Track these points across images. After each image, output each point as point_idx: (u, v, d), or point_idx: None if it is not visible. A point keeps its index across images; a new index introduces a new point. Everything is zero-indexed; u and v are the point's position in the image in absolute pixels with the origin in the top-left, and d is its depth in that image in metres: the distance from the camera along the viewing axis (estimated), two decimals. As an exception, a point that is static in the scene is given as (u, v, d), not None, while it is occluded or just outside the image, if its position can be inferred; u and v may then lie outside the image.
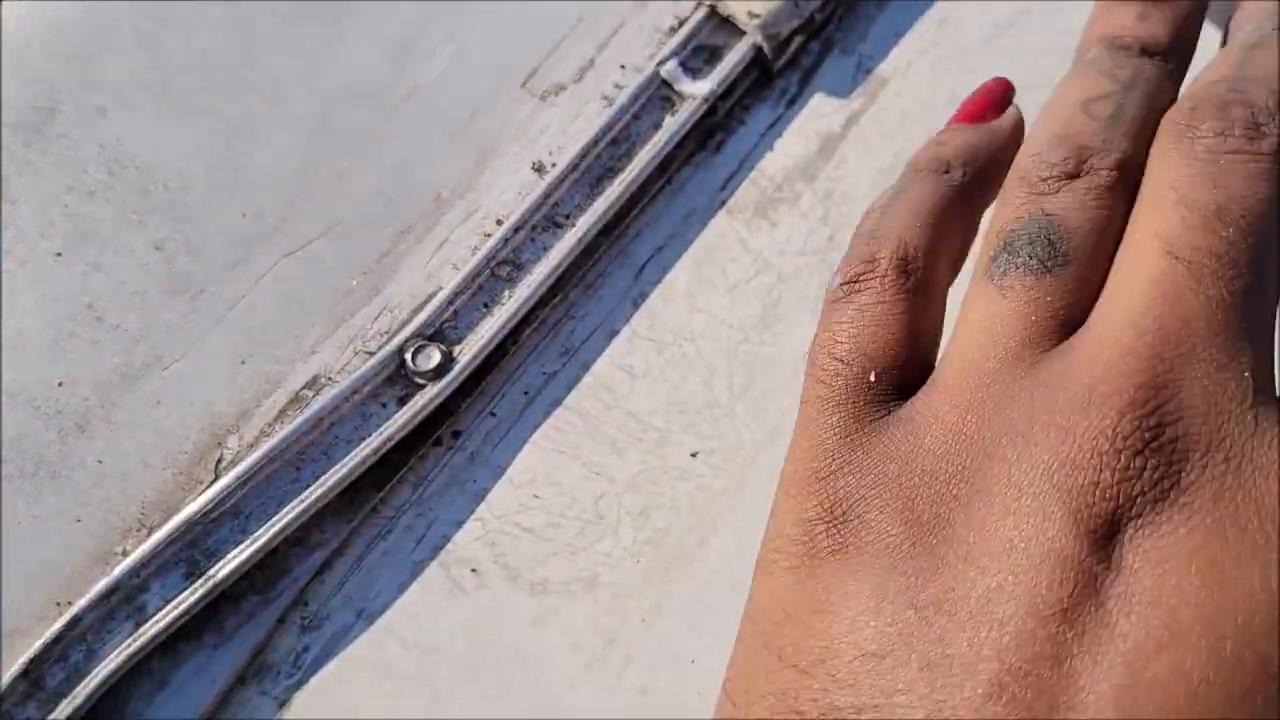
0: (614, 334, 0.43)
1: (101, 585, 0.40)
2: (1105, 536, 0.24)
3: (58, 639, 0.40)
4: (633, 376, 0.43)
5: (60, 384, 0.42)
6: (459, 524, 0.41)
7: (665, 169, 0.45)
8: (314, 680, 0.40)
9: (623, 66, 0.47)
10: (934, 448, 0.27)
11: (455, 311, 0.43)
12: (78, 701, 0.39)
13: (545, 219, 0.44)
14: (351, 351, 0.43)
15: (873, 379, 0.29)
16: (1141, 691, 0.23)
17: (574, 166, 0.44)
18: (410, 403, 0.42)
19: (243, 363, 0.43)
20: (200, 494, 0.41)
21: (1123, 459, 0.24)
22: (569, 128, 0.46)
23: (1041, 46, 0.46)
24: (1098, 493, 0.24)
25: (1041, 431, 0.26)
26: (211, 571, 0.40)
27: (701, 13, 0.47)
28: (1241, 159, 0.28)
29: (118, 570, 0.40)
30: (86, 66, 0.46)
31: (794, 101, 0.47)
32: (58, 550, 0.41)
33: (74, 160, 0.44)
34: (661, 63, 0.46)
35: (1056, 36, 0.45)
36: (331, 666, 0.40)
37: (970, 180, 0.33)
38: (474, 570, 0.41)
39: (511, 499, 0.41)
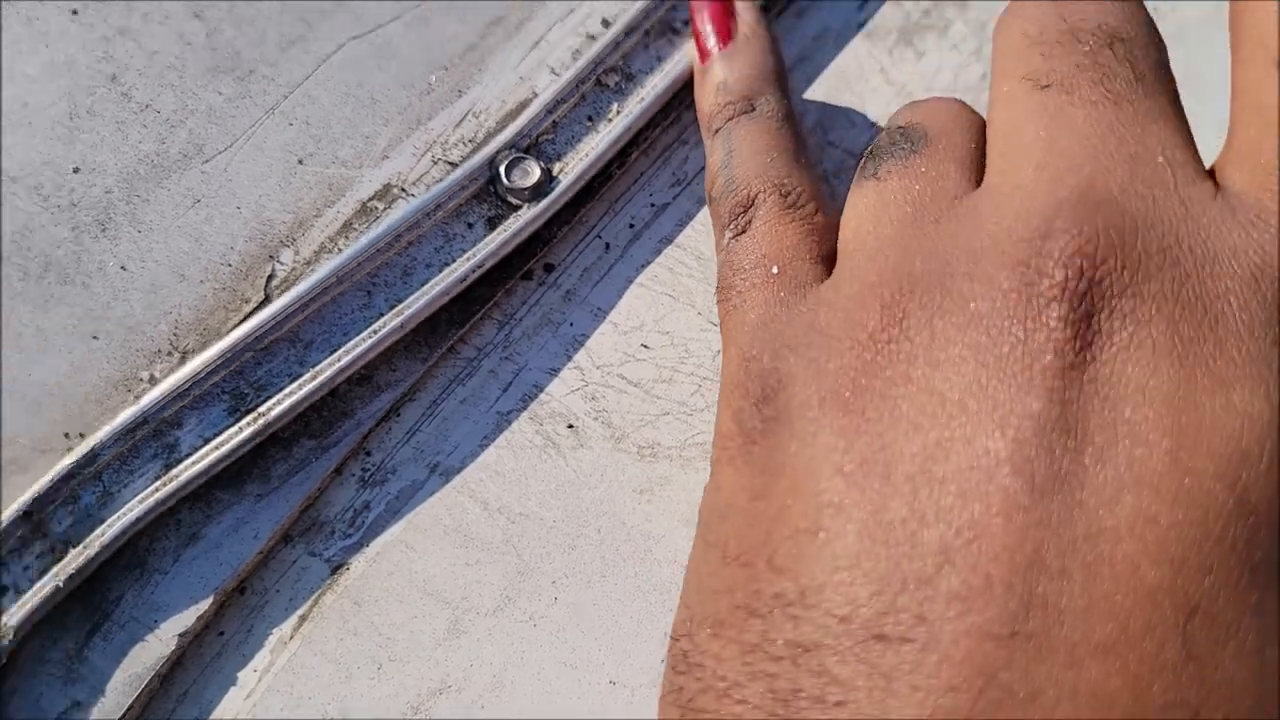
0: (734, 165, 0.37)
1: (126, 416, 0.33)
2: (1055, 373, 0.24)
3: (68, 476, 0.33)
4: (756, 216, 0.37)
5: (76, 170, 0.35)
6: (553, 372, 0.35)
7: (797, -21, 0.39)
8: (374, 543, 0.34)
9: None
10: (847, 309, 0.27)
11: (554, 123, 0.36)
12: (89, 553, 0.33)
13: (660, 23, 0.38)
14: (430, 159, 0.36)
15: (775, 270, 0.30)
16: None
17: (696, -34, 0.38)
18: (502, 225, 0.35)
19: (300, 162, 0.35)
20: (247, 315, 0.34)
21: (1067, 273, 0.24)
22: (689, -80, 0.39)
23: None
24: (1045, 322, 0.24)
25: (963, 276, 0.25)
26: (261, 408, 0.33)
27: None
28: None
29: (146, 399, 0.33)
30: None
31: (944, -86, 0.40)
32: (68, 371, 0.34)
33: (93, -102, 0.36)
34: None
35: None
36: (396, 529, 0.34)
37: (775, 104, 0.34)
38: (570, 426, 0.35)
39: (615, 347, 0.35)
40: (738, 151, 0.33)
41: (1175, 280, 0.24)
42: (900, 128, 0.31)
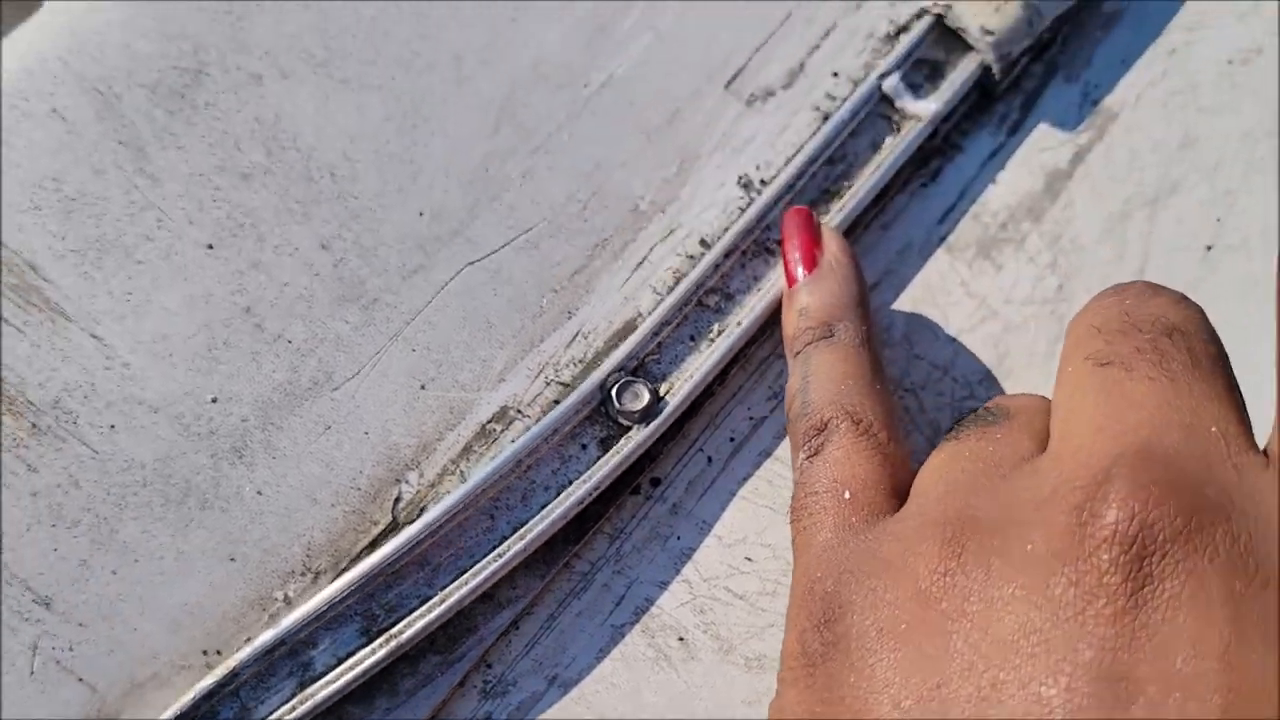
0: (827, 379, 0.39)
1: (267, 637, 0.35)
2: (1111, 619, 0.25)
3: (209, 695, 0.35)
4: (850, 429, 0.39)
5: (214, 400, 0.37)
6: (663, 585, 0.37)
7: (880, 196, 0.41)
8: (497, 752, 0.36)
9: (835, 74, 0.42)
10: (909, 542, 0.28)
11: (659, 344, 0.39)
12: (228, 767, 0.35)
13: (756, 244, 0.40)
14: (543, 381, 0.38)
15: (847, 496, 0.31)
16: None
17: (789, 186, 0.40)
18: (615, 447, 0.37)
19: (423, 387, 0.38)
20: (376, 537, 0.36)
21: (1119, 515, 0.25)
22: (778, 139, 0.42)
23: (1276, 87, 0.43)
24: (1097, 564, 0.25)
25: (1022, 522, 0.27)
26: (393, 629, 0.35)
27: (925, 22, 0.42)
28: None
29: (285, 621, 0.35)
30: (239, 24, 0.39)
31: (1016, 129, 0.43)
32: (206, 592, 0.36)
33: (225, 135, 0.39)
34: (883, 76, 0.41)
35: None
36: (518, 738, 0.36)
37: (853, 331, 0.36)
38: (681, 639, 0.37)
39: (720, 560, 0.37)
40: (814, 376, 0.35)
41: (1229, 537, 0.25)
42: (988, 407, 0.33)
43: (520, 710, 0.36)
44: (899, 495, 0.32)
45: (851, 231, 0.41)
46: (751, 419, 0.39)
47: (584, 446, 0.37)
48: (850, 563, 0.30)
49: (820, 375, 0.35)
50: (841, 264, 0.37)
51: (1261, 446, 0.28)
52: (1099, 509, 0.25)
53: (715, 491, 0.38)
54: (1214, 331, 0.30)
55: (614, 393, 0.37)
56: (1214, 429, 0.27)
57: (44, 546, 0.36)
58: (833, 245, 0.38)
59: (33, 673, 0.35)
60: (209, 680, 0.35)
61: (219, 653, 0.36)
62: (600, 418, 0.38)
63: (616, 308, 0.39)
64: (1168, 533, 0.25)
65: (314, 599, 0.35)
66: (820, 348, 0.35)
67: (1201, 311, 0.30)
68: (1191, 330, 0.29)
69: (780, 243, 0.39)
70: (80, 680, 0.35)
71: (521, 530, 0.36)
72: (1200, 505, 0.25)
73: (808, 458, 0.33)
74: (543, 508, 0.37)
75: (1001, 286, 0.41)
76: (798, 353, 0.36)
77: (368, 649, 0.35)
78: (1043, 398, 0.33)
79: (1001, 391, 0.39)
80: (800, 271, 0.37)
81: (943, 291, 0.41)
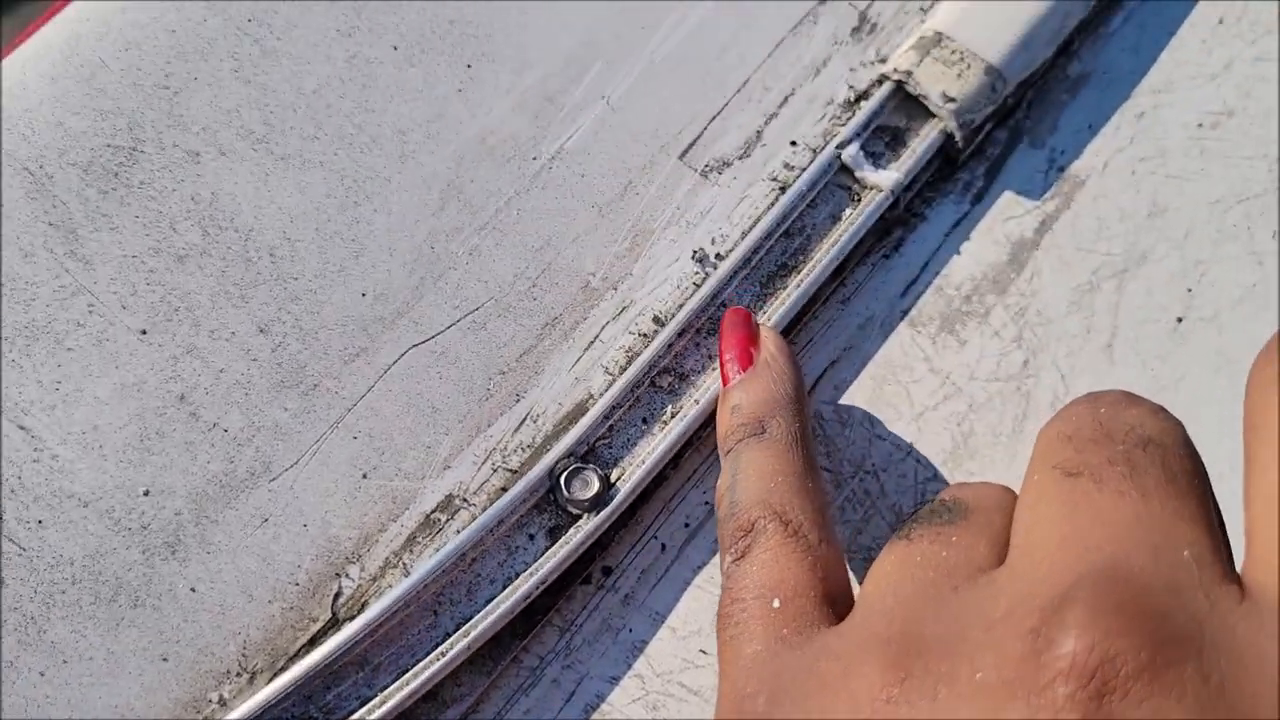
0: (785, 460, 0.38)
1: (198, 745, 0.33)
2: None
3: (139, 805, 0.33)
4: (809, 513, 0.37)
5: (146, 493, 0.35)
6: (614, 680, 0.36)
7: (840, 269, 0.40)
8: None
9: (793, 143, 0.41)
10: (849, 663, 0.26)
11: (611, 427, 0.37)
12: None
13: (711, 321, 0.39)
14: (490, 467, 0.37)
15: (777, 604, 0.29)
16: None
17: (745, 260, 0.39)
18: (564, 538, 0.36)
19: (364, 476, 0.36)
20: (315, 634, 0.35)
21: (1078, 645, 0.23)
22: (734, 211, 0.40)
23: (1247, 151, 0.42)
24: (1052, 699, 0.23)
25: (973, 644, 0.25)
26: (331, 733, 0.34)
27: (886, 89, 0.41)
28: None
29: (218, 728, 0.33)
30: (176, 99, 0.38)
31: (980, 198, 0.42)
32: (138, 694, 0.35)
33: (160, 215, 0.37)
34: (843, 145, 0.40)
35: (1260, 142, 0.41)
36: (464, 845, 0.35)
37: (785, 428, 0.34)
38: (632, 738, 0.35)
39: (674, 653, 0.36)
40: (743, 474, 0.33)
41: (1198, 675, 0.23)
42: (944, 500, 0.31)
43: (466, 814, 0.35)
44: (833, 601, 0.30)
45: (810, 306, 0.40)
46: (707, 504, 0.38)
47: (531, 537, 0.36)
48: (784, 680, 0.28)
49: (749, 473, 0.33)
50: (776, 362, 0.36)
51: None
52: (1056, 635, 0.23)
53: (669, 580, 0.37)
54: (1193, 447, 0.28)
55: (563, 480, 0.36)
56: (1186, 552, 0.25)
57: (-32, 648, 0.34)
58: (769, 344, 0.36)
59: (-43, 780, 0.34)
60: (139, 789, 0.33)
61: (151, 758, 0.34)
62: (549, 506, 0.36)
63: (567, 389, 0.38)
64: (1131, 668, 0.22)
65: (250, 701, 0.34)
66: (750, 445, 0.34)
67: (1180, 425, 0.28)
68: (1169, 444, 0.27)
69: (719, 338, 0.37)
70: (6, 788, 0.34)
71: (466, 626, 0.35)
72: (1167, 637, 0.23)
73: (734, 560, 0.31)
74: (488, 602, 0.35)
75: (966, 362, 0.39)
76: (728, 451, 0.34)
77: (304, 755, 0.34)
78: (1004, 489, 0.31)
79: (966, 474, 0.38)
80: (735, 370, 0.36)
81: (905, 368, 0.39)
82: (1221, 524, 0.27)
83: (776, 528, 0.31)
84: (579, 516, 0.36)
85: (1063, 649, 0.23)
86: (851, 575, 0.34)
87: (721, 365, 0.36)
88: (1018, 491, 0.30)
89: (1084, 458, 0.27)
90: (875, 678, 0.25)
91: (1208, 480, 0.27)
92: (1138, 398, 0.29)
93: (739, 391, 0.35)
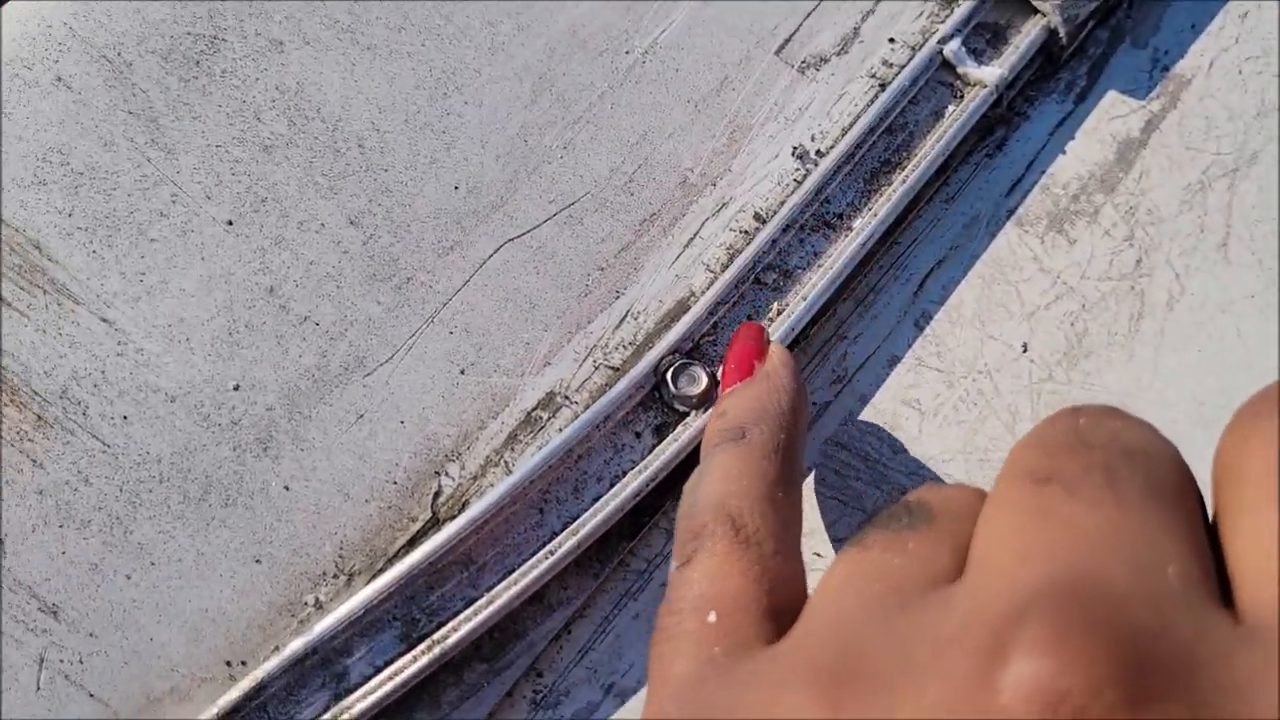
0: (894, 360, 0.37)
1: (297, 645, 0.32)
2: None
3: (235, 709, 0.32)
4: (921, 414, 0.36)
5: (236, 387, 0.34)
6: (725, 584, 0.34)
7: (944, 167, 0.39)
8: (549, 769, 0.33)
9: (891, 40, 0.40)
10: (776, 692, 0.23)
11: (715, 324, 0.36)
12: (255, 789, 0.31)
13: (815, 218, 0.37)
14: (591, 364, 0.35)
15: (713, 619, 0.26)
16: None
17: (848, 156, 0.37)
18: (671, 435, 0.35)
19: (462, 372, 0.35)
20: (414, 534, 0.33)
21: (1036, 668, 0.19)
22: (832, 108, 0.39)
23: (1354, 55, 0.41)
24: None
25: (918, 669, 0.21)
26: (436, 635, 0.32)
27: (987, -16, 0.40)
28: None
29: (320, 627, 0.32)
30: (258, -13, 0.37)
31: (1083, 97, 0.40)
32: (230, 597, 0.33)
33: (244, 105, 0.36)
34: (944, 41, 0.39)
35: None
36: (572, 754, 0.33)
37: (766, 436, 0.31)
38: (747, 642, 0.34)
39: (787, 556, 0.34)
40: (708, 474, 0.30)
41: (1189, 710, 0.19)
42: (907, 502, 0.27)
43: (574, 723, 0.33)
44: (778, 617, 0.26)
45: (914, 205, 0.38)
46: (814, 404, 0.36)
47: (638, 434, 0.34)
48: (710, 707, 0.24)
49: (714, 475, 0.30)
50: (776, 375, 0.33)
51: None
52: (1011, 655, 0.19)
53: (779, 482, 0.35)
54: (1185, 466, 0.24)
55: (669, 376, 0.34)
56: (1171, 569, 0.21)
57: (51, 549, 0.33)
58: (774, 358, 0.33)
59: (39, 688, 0.32)
60: (234, 694, 0.32)
61: (244, 663, 0.33)
62: (654, 403, 0.35)
63: (667, 286, 0.36)
64: (1107, 700, 0.18)
65: (349, 603, 0.32)
66: (726, 448, 0.31)
67: (1171, 443, 0.24)
68: (1155, 455, 0.23)
69: (726, 353, 0.35)
70: (91, 696, 0.32)
71: (574, 525, 0.33)
72: (1150, 665, 0.19)
73: (679, 566, 0.28)
74: (595, 500, 0.34)
75: (1076, 261, 0.38)
76: (705, 454, 0.32)
77: (408, 656, 0.32)
78: (978, 493, 0.26)
79: (1082, 374, 0.36)
80: (735, 380, 0.33)
81: (1014, 267, 0.38)
82: (1216, 547, 0.23)
83: (726, 531, 0.28)
84: (686, 413, 0.35)
85: (1019, 671, 0.19)
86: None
87: (723, 375, 0.34)
88: (984, 493, 0.27)
89: (1056, 463, 0.24)
90: (803, 711, 0.22)
91: (1201, 499, 0.23)
92: (1124, 412, 0.25)
93: (730, 398, 0.33)
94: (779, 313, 0.36)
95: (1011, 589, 0.21)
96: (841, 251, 0.37)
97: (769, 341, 0.34)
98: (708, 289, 0.36)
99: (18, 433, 0.33)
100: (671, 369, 0.35)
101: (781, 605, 0.27)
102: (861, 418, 0.36)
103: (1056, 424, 0.25)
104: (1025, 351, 0.37)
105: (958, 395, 0.36)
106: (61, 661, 0.32)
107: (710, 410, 0.34)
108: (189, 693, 0.33)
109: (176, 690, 0.33)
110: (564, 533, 0.33)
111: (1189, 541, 0.22)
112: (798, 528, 0.30)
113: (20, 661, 0.32)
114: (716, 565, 0.27)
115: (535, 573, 0.33)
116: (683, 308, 0.36)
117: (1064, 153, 0.40)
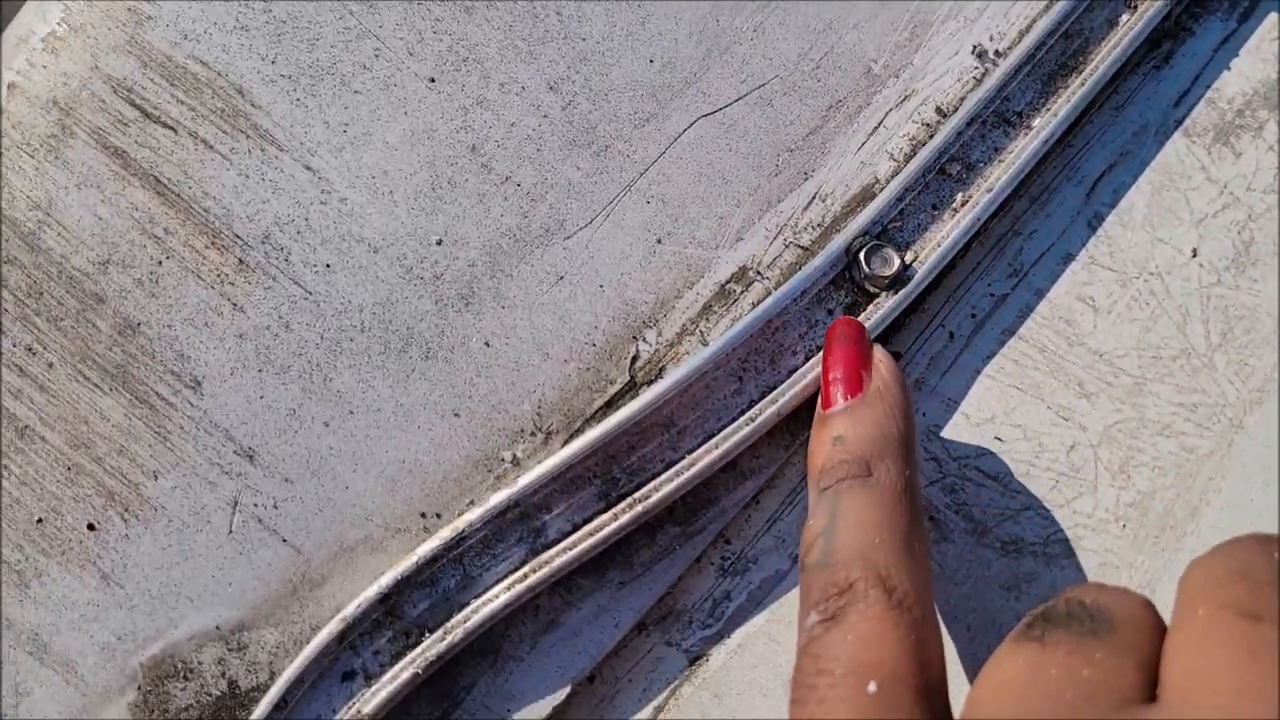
0: (1069, 258, 0.37)
1: (500, 498, 0.32)
2: None
3: (432, 560, 0.32)
4: (1095, 310, 0.37)
5: (439, 242, 0.34)
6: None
7: (1114, 77, 0.39)
8: (735, 634, 0.33)
9: (1066, -52, 0.40)
10: None
11: (902, 211, 0.36)
12: (451, 639, 0.32)
13: (996, 115, 0.37)
14: (781, 242, 0.36)
15: (873, 689, 0.25)
16: None
17: (1029, 57, 0.38)
18: (863, 314, 0.35)
19: (659, 241, 0.35)
20: (612, 397, 0.34)
21: None
22: (1010, 10, 0.39)
23: None
24: None
25: None
26: (635, 494, 0.33)
27: (1160, -101, 0.40)
28: None
29: (523, 481, 0.32)
30: None
31: (1247, 16, 0.41)
32: (427, 449, 0.33)
33: (445, -36, 0.35)
34: (1121, -50, 0.39)
35: None
36: (759, 620, 0.33)
37: (894, 475, 0.29)
38: (932, 518, 0.34)
39: (969, 439, 0.35)
40: (843, 520, 0.29)
41: None
42: (1082, 602, 0.26)
43: (762, 589, 0.34)
44: (930, 694, 0.26)
45: (1086, 112, 0.39)
46: (992, 295, 0.37)
47: (830, 312, 0.35)
48: None
49: (850, 521, 0.29)
50: (891, 393, 0.31)
51: None
52: None
53: (959, 369, 0.36)
54: None
55: (862, 256, 0.35)
56: None
57: (249, 394, 0.33)
58: (883, 369, 0.32)
59: (231, 531, 0.32)
60: (433, 543, 0.32)
61: (439, 515, 0.33)
62: (845, 282, 0.35)
63: (853, 172, 0.37)
64: None
65: (553, 458, 0.32)
66: (854, 487, 0.29)
67: None
68: None
69: (823, 355, 0.33)
70: (284, 541, 0.32)
71: (773, 394, 0.33)
72: None
73: (822, 620, 0.27)
74: (792, 372, 0.34)
75: (1243, 173, 0.39)
76: (826, 488, 0.30)
77: (608, 514, 0.33)
78: (1146, 604, 0.26)
79: (1249, 281, 0.37)
80: (841, 394, 0.32)
81: (1182, 175, 0.39)
82: None
83: (879, 595, 0.27)
84: (876, 294, 0.35)
85: None
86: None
87: (825, 385, 0.32)
88: (1155, 606, 0.27)
89: (1262, 600, 0.23)
90: None
91: None
92: None
93: (845, 421, 0.31)
94: (963, 203, 0.36)
95: None
96: (1024, 148, 0.37)
97: (871, 345, 0.32)
98: (893, 177, 0.36)
99: (218, 275, 0.33)
100: (864, 250, 0.35)
101: (931, 679, 0.26)
102: (1038, 311, 0.37)
103: (1251, 552, 0.25)
104: (1194, 256, 0.37)
105: (1130, 294, 0.37)
106: (256, 506, 0.32)
107: (816, 428, 0.32)
108: (382, 542, 0.33)
109: (370, 539, 0.33)
110: (764, 400, 0.33)
111: None
112: (932, 583, 0.29)
113: (214, 504, 0.32)
114: (870, 630, 0.26)
115: (735, 438, 0.33)
116: (868, 193, 0.36)
117: (1228, 69, 0.40)
